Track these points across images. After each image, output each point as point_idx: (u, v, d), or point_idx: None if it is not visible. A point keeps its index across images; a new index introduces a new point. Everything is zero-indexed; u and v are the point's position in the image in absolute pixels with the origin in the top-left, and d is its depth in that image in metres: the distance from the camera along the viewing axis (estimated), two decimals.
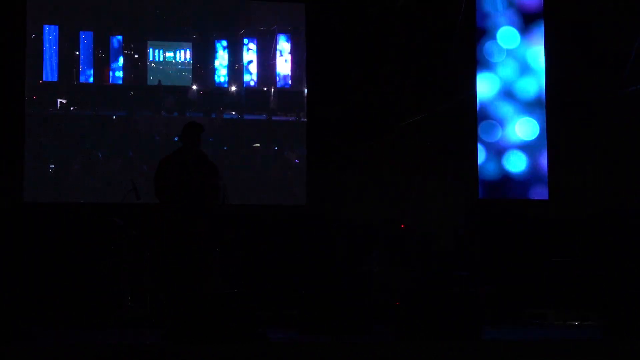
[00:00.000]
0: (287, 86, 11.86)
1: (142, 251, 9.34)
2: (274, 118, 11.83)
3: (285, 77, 11.87)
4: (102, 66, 11.46)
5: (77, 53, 11.40)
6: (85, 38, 11.45)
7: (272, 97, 11.94)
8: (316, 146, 11.36)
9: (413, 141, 8.42)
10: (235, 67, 11.81)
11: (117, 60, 11.49)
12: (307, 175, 11.25)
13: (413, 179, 8.41)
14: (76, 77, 11.40)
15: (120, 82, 11.46)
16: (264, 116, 11.82)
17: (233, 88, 11.83)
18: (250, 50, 11.88)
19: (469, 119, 11.37)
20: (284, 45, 11.87)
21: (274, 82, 11.92)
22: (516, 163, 11.38)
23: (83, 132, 11.18)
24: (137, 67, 11.54)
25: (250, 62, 11.86)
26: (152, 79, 11.55)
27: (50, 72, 11.31)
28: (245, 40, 11.83)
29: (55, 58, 11.33)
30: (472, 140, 11.34)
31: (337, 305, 7.29)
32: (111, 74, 11.47)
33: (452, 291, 7.76)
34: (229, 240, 9.51)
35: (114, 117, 11.35)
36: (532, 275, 10.88)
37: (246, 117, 11.79)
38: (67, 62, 11.32)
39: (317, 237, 10.88)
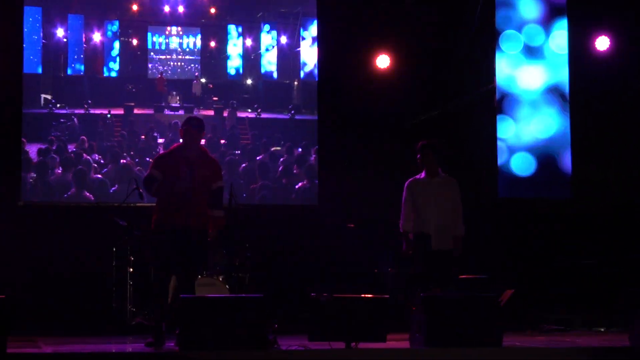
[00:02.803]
0: (315, 78, 11.33)
1: (147, 253, 9.32)
2: (297, 117, 11.40)
3: (311, 67, 11.28)
4: (94, 56, 10.90)
5: (65, 40, 10.76)
6: (75, 22, 10.75)
7: (295, 92, 11.50)
8: (327, 144, 11.31)
9: (428, 138, 8.35)
10: (252, 56, 11.27)
11: (112, 49, 10.95)
12: (318, 175, 11.19)
13: (429, 177, 8.33)
14: (63, 69, 10.84)
15: (116, 75, 10.97)
16: (286, 115, 11.38)
17: (249, 81, 11.32)
18: (269, 36, 11.24)
19: (488, 114, 11.30)
20: (310, 31, 11.16)
21: (297, 74, 11.44)
22: (537, 160, 11.29)
23: (73, 133, 10.71)
24: (135, 57, 10.99)
25: (269, 49, 11.32)
26: (153, 72, 11.09)
27: (32, 63, 10.60)
28: (267, 27, 11.19)
29: (39, 46, 10.62)
30: (491, 137, 11.27)
31: (350, 310, 7.23)
32: (105, 65, 10.94)
33: (471, 295, 7.68)
34: (238, 242, 9.47)
35: (109, 115, 10.93)
36: (555, 278, 10.81)
37: (264, 115, 11.31)
38: (53, 51, 10.68)
39: (329, 238, 10.83)
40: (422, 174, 8.43)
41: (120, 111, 11.05)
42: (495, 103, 11.26)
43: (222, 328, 6.73)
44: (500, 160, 11.24)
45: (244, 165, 11.20)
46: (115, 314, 9.32)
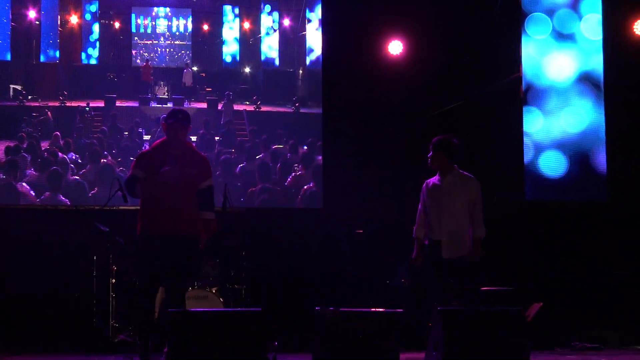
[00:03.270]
0: (321, 66, 11.24)
1: (132, 262, 9.30)
2: (302, 110, 11.31)
3: (318, 54, 11.17)
4: (70, 41, 10.86)
5: (37, 23, 10.70)
6: (48, 3, 10.67)
7: (300, 81, 11.46)
8: (333, 140, 11.28)
9: (443, 134, 8.32)
10: (250, 41, 11.25)
11: (90, 32, 10.91)
12: (322, 175, 11.17)
13: (441, 178, 8.31)
14: (36, 56, 10.77)
15: (96, 62, 10.92)
16: (289, 108, 11.32)
17: (247, 69, 11.28)
18: (270, 18, 11.14)
19: (512, 107, 11.28)
20: (316, 12, 11.02)
21: (302, 61, 11.35)
22: (568, 158, 11.26)
23: (46, 128, 10.66)
24: (117, 42, 10.94)
25: (270, 33, 11.27)
26: (137, 59, 11.03)
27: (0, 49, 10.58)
28: (267, 8, 11.09)
29: (8, 30, 10.57)
30: (516, 132, 11.24)
31: (358, 326, 7.20)
32: (83, 52, 10.90)
33: (494, 309, 7.66)
34: (233, 250, 9.45)
35: (87, 108, 10.90)
36: (589, 290, 10.77)
37: (265, 108, 11.28)
38: (24, 35, 10.60)
39: (335, 246, 10.81)
40: (437, 175, 8.40)
41: (101, 104, 11.00)
42: (521, 94, 11.23)
43: (215, 346, 6.71)
44: (527, 159, 11.20)
45: (241, 165, 11.15)
46: (97, 331, 9.30)
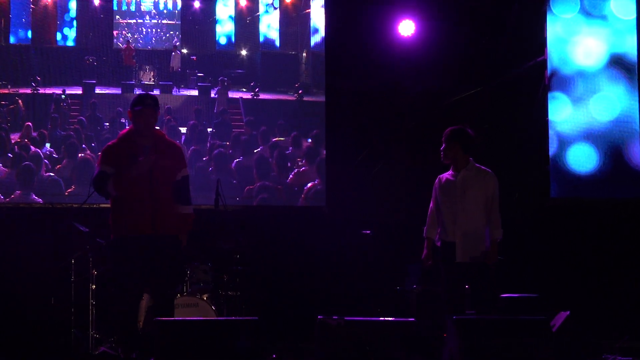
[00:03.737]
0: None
1: (107, 268, 9.32)
2: (306, 98, 11.27)
3: (324, 34, 11.07)
4: (44, 20, 10.77)
5: (7, 0, 10.61)
6: None
7: (303, 66, 11.40)
8: (337, 131, 11.30)
9: (457, 124, 8.34)
10: (247, 19, 11.19)
11: (67, 10, 10.84)
12: (326, 170, 11.19)
13: (455, 173, 8.33)
14: (4, 37, 10.70)
15: (73, 44, 10.89)
16: (291, 96, 11.28)
17: (243, 52, 11.24)
18: None
19: (536, 93, 11.29)
20: None
21: (306, 42, 11.27)
22: (598, 150, 11.28)
23: (17, 118, 10.59)
24: (97, 21, 10.85)
25: (269, 11, 11.18)
26: (119, 40, 10.96)
27: None
28: None
29: None
30: (541, 122, 11.26)
31: (366, 336, 7.23)
32: (59, 32, 10.84)
33: (515, 318, 7.68)
34: (226, 252, 9.48)
35: (63, 96, 10.88)
36: (622, 297, 10.79)
37: (263, 96, 11.24)
38: None
39: (339, 248, 10.83)
40: (450, 170, 8.42)
41: (79, 90, 10.99)
42: (546, 79, 11.24)
43: (207, 359, 6.72)
44: (552, 152, 11.21)
45: (237, 160, 11.15)
46: (76, 342, 9.32)
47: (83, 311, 9.34)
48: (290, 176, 11.21)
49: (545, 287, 10.26)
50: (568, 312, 9.19)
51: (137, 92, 11.03)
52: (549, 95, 11.24)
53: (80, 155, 10.84)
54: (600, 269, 11.13)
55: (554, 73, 11.28)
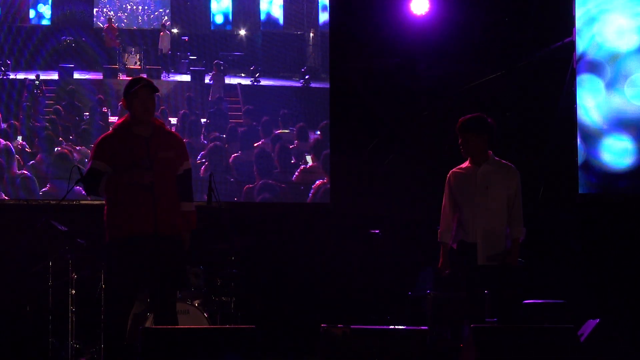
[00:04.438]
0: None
1: (96, 269, 9.34)
2: (313, 85, 11.19)
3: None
4: None
5: None
6: None
7: (311, 48, 11.31)
8: (343, 120, 11.30)
9: (474, 113, 8.33)
10: None
11: None
12: (330, 163, 11.19)
13: (474, 167, 8.33)
14: None
15: (48, 22, 10.77)
16: (296, 82, 11.21)
17: (242, 32, 11.16)
18: None
19: (563, 78, 11.30)
20: None
21: (313, 21, 11.15)
22: (635, 140, 11.30)
23: None
24: None
25: None
26: (101, 18, 10.87)
27: None
28: None
29: None
30: (568, 111, 11.26)
31: (374, 346, 7.25)
32: (32, 9, 10.69)
33: (540, 327, 7.69)
34: (220, 254, 9.50)
35: (37, 82, 10.78)
36: None
37: (265, 82, 11.16)
38: None
39: (345, 249, 10.85)
40: (467, 162, 8.41)
41: (54, 76, 10.93)
42: (574, 63, 11.24)
43: None
44: (581, 143, 11.21)
45: (235, 155, 11.11)
46: (54, 352, 9.34)
47: (62, 318, 9.36)
48: (296, 173, 11.18)
49: (573, 292, 10.28)
50: (598, 320, 9.20)
51: (121, 78, 11.00)
52: (577, 80, 11.23)
53: (56, 149, 10.76)
54: (634, 274, 11.13)
55: (583, 55, 11.28)
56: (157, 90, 7.47)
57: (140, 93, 7.34)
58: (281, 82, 11.25)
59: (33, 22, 10.90)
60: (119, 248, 7.36)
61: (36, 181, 10.66)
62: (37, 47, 10.89)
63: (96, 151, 7.42)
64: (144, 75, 10.97)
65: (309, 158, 11.25)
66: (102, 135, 7.59)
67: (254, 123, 11.18)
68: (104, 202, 7.50)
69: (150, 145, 7.33)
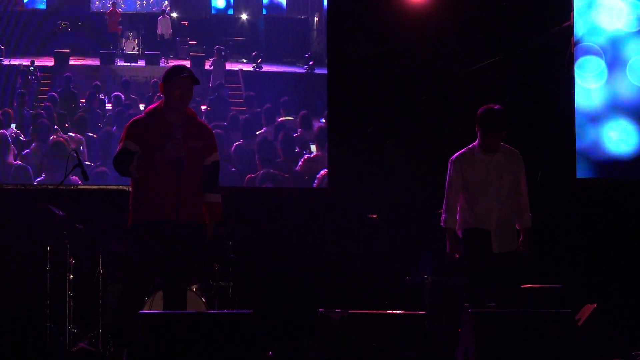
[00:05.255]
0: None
1: (94, 254, 9.34)
2: (317, 71, 11.06)
3: None
4: None
5: None
6: None
7: (315, 33, 11.11)
8: (341, 106, 11.29)
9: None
10: None
11: None
12: (328, 148, 11.17)
13: (487, 154, 8.31)
14: None
15: (44, 6, 10.63)
16: (300, 68, 11.05)
17: (244, 16, 11.02)
18: None
19: (562, 63, 11.29)
20: None
21: (318, 5, 10.99)
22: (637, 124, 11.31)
23: None
24: None
25: None
26: (99, 2, 10.77)
27: None
28: None
29: None
30: (566, 95, 11.26)
31: (372, 331, 7.25)
32: None
33: (538, 311, 7.70)
34: (218, 239, 9.50)
35: (32, 68, 10.65)
36: None
37: (267, 68, 11.02)
38: None
39: (343, 234, 10.85)
40: (476, 147, 8.40)
41: (50, 62, 10.82)
42: (572, 48, 11.23)
43: (196, 356, 6.74)
44: (581, 128, 11.21)
45: (237, 144, 10.99)
46: (52, 337, 9.34)
47: (60, 304, 9.36)
48: (300, 163, 11.09)
49: (570, 277, 10.28)
50: (595, 305, 9.21)
51: (118, 64, 10.95)
52: (577, 63, 11.23)
53: (51, 137, 10.62)
54: (632, 258, 11.14)
55: (582, 39, 11.27)
56: (198, 82, 7.49)
57: (182, 83, 7.36)
58: (284, 68, 11.15)
59: (28, 5, 10.74)
60: (140, 231, 7.41)
61: (30, 171, 10.56)
62: (31, 32, 10.74)
63: (128, 132, 7.44)
64: (142, 62, 10.96)
65: (313, 147, 11.15)
66: (134, 118, 7.63)
67: (256, 110, 11.06)
68: (129, 188, 7.51)
69: (180, 133, 7.33)
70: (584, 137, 11.25)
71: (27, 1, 10.75)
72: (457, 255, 8.45)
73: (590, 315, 9.13)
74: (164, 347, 6.71)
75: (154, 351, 6.72)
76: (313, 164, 11.10)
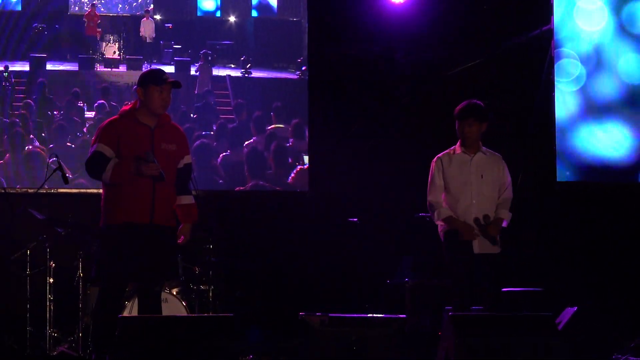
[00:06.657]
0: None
1: (74, 258, 9.34)
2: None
3: None
4: None
5: None
6: None
7: (307, 36, 10.83)
8: (320, 108, 11.29)
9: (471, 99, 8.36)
10: None
11: None
12: (308, 150, 11.17)
13: (468, 154, 8.33)
14: None
15: (19, 7, 10.36)
16: (292, 73, 10.94)
17: (232, 18, 10.83)
18: None
19: (542, 67, 11.34)
20: None
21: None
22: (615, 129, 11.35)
23: None
24: None
25: None
26: (77, 4, 10.55)
27: None
28: None
29: None
30: (547, 98, 11.31)
31: (352, 334, 7.27)
32: None
33: (519, 314, 7.73)
34: (197, 242, 9.50)
35: (6, 73, 10.38)
36: (635, 292, 10.85)
37: (257, 73, 10.83)
38: None
39: (323, 237, 10.86)
40: (457, 148, 8.41)
41: (25, 67, 10.59)
42: (552, 50, 11.27)
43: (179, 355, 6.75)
44: (563, 131, 11.25)
45: (224, 154, 10.84)
46: (31, 341, 9.34)
47: (40, 307, 9.35)
48: (292, 175, 10.96)
49: (551, 280, 10.32)
50: (576, 308, 9.25)
51: (98, 69, 10.73)
52: (556, 66, 11.28)
53: (27, 147, 10.42)
54: (612, 261, 11.18)
55: (563, 41, 11.32)
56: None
57: (164, 88, 7.35)
58: (275, 73, 10.96)
59: (2, 8, 10.47)
60: (113, 234, 7.37)
61: (4, 183, 10.35)
62: (5, 35, 10.48)
63: (101, 134, 7.39)
64: (123, 67, 10.76)
65: (306, 158, 10.99)
66: (108, 120, 7.56)
67: (245, 119, 10.86)
68: (101, 189, 7.49)
69: (154, 135, 7.35)
70: (564, 141, 11.30)
71: (1, 2, 10.49)
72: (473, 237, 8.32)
73: (571, 319, 9.18)
74: (144, 351, 6.72)
75: (134, 355, 6.72)
76: (306, 176, 10.96)
